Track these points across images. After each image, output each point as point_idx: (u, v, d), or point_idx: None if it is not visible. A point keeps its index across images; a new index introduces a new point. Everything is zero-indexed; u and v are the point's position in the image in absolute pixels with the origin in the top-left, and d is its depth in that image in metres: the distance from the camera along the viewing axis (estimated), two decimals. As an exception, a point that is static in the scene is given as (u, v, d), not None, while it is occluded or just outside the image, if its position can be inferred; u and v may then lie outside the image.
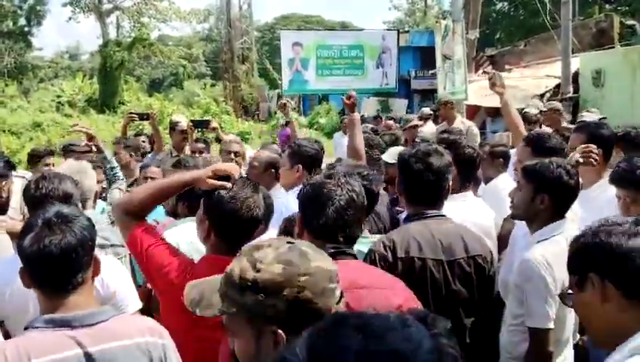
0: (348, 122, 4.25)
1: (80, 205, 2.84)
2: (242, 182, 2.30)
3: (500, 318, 2.75)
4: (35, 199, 2.62)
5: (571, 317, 2.63)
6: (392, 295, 2.00)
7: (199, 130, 6.74)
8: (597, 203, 2.90)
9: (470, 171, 3.69)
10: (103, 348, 1.69)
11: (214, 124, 6.62)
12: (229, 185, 2.25)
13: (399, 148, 5.03)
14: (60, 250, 1.75)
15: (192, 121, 6.51)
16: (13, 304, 2.25)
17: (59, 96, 28.04)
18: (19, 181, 3.85)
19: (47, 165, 5.16)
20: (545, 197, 2.69)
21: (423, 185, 2.56)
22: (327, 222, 2.07)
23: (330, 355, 0.78)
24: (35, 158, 5.39)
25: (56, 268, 1.76)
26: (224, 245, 2.23)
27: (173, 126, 6.33)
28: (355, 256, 2.19)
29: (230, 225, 2.22)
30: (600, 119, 6.13)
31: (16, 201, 3.73)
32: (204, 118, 7.45)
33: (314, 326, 0.84)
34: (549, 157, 2.88)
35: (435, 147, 2.71)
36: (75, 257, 1.78)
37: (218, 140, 6.52)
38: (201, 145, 5.89)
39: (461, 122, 8.28)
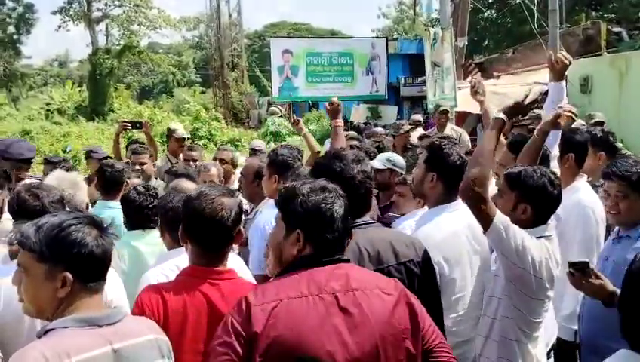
0: (332, 129, 4.03)
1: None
2: (218, 187, 2.30)
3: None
4: (31, 208, 2.64)
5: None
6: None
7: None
8: (565, 205, 2.86)
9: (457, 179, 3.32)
10: (125, 344, 1.77)
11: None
12: None
13: (388, 154, 5.08)
14: (110, 251, 1.85)
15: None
16: (11, 312, 2.25)
17: (48, 104, 28.02)
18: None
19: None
20: (527, 208, 2.64)
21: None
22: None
23: None
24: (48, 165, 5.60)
25: (105, 268, 1.85)
26: (202, 254, 2.22)
27: (170, 133, 6.44)
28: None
29: (197, 225, 2.20)
30: (595, 123, 6.23)
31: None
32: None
33: None
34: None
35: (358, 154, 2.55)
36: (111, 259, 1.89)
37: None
38: (195, 153, 5.90)
39: (452, 129, 8.36)
